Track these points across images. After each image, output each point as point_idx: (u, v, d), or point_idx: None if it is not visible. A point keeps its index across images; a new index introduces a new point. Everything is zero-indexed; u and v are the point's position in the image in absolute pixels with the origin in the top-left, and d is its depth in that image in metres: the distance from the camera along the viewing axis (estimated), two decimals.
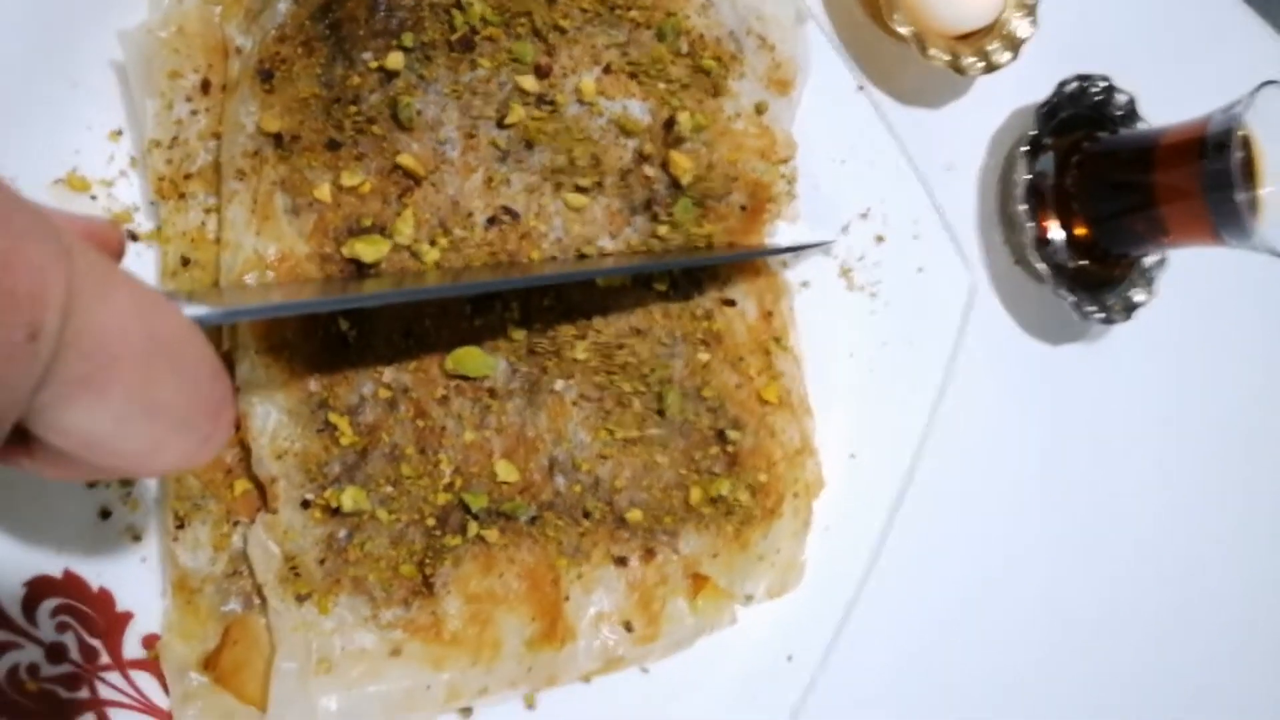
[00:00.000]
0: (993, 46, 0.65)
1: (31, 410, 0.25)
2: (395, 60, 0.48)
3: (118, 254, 0.34)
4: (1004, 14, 0.66)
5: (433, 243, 0.50)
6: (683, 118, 0.54)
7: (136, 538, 0.46)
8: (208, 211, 0.46)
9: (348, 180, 0.47)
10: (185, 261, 0.46)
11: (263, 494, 0.47)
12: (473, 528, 0.50)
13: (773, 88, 0.58)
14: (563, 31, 0.52)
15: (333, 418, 0.48)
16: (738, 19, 0.57)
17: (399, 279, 0.49)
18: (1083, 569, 0.72)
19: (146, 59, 0.44)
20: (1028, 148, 0.67)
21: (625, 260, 0.55)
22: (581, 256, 0.54)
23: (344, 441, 0.48)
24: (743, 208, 0.57)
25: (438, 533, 0.49)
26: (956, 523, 0.66)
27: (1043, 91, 0.69)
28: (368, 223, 0.48)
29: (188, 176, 0.45)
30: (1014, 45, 0.65)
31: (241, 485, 0.47)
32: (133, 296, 0.27)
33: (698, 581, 0.56)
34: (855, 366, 0.58)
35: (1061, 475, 0.72)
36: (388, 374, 0.50)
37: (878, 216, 0.61)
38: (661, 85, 0.55)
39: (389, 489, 0.48)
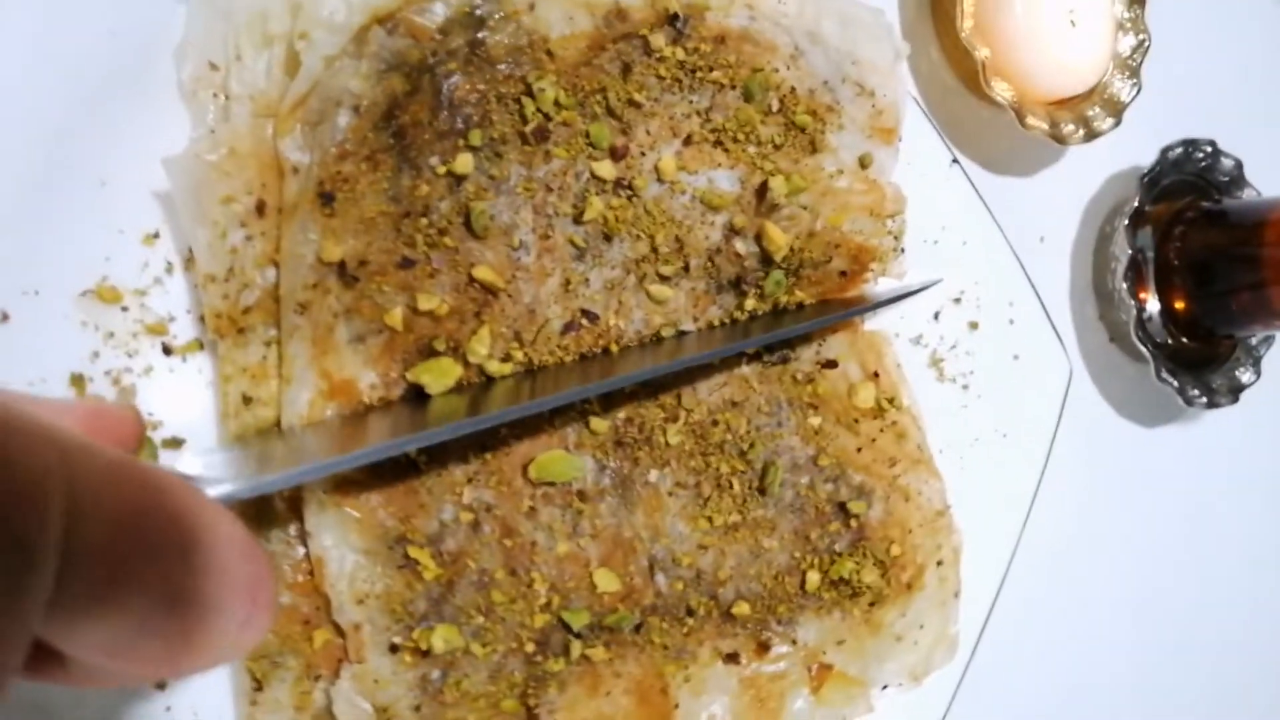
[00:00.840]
0: (1093, 111, 0.65)
1: (46, 626, 0.25)
2: (464, 163, 0.47)
3: (133, 438, 0.34)
4: (1106, 76, 0.65)
5: (506, 357, 0.50)
6: (776, 182, 0.54)
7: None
8: (268, 344, 0.46)
9: (424, 304, 0.47)
10: (247, 400, 0.46)
11: (345, 643, 0.49)
12: (576, 648, 0.52)
13: (876, 137, 0.57)
14: (638, 106, 0.52)
15: (413, 551, 0.50)
16: (831, 67, 0.55)
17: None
18: (1182, 658, 0.75)
19: (196, 186, 0.44)
20: (1128, 220, 0.67)
21: (708, 340, 0.55)
22: (659, 340, 0.54)
23: (428, 576, 0.50)
24: (842, 273, 0.57)
25: (538, 658, 0.52)
26: (1052, 619, 0.69)
27: (1138, 155, 0.69)
28: (440, 345, 0.48)
29: (246, 310, 0.45)
30: (1116, 110, 0.65)
31: (321, 636, 0.49)
32: (145, 489, 0.27)
33: (821, 672, 0.58)
34: (945, 464, 0.59)
35: (1159, 565, 0.74)
36: (467, 494, 0.51)
37: (971, 300, 0.62)
38: (751, 149, 0.54)
39: (481, 619, 0.50)
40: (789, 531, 0.56)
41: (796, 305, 0.58)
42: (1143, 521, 0.73)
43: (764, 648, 0.56)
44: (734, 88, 0.54)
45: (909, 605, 0.57)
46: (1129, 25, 0.67)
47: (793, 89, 0.55)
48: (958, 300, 0.62)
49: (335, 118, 0.45)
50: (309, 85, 0.44)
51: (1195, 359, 0.71)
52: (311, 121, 0.45)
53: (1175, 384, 0.68)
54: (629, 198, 0.52)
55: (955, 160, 0.60)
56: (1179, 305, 0.70)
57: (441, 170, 0.48)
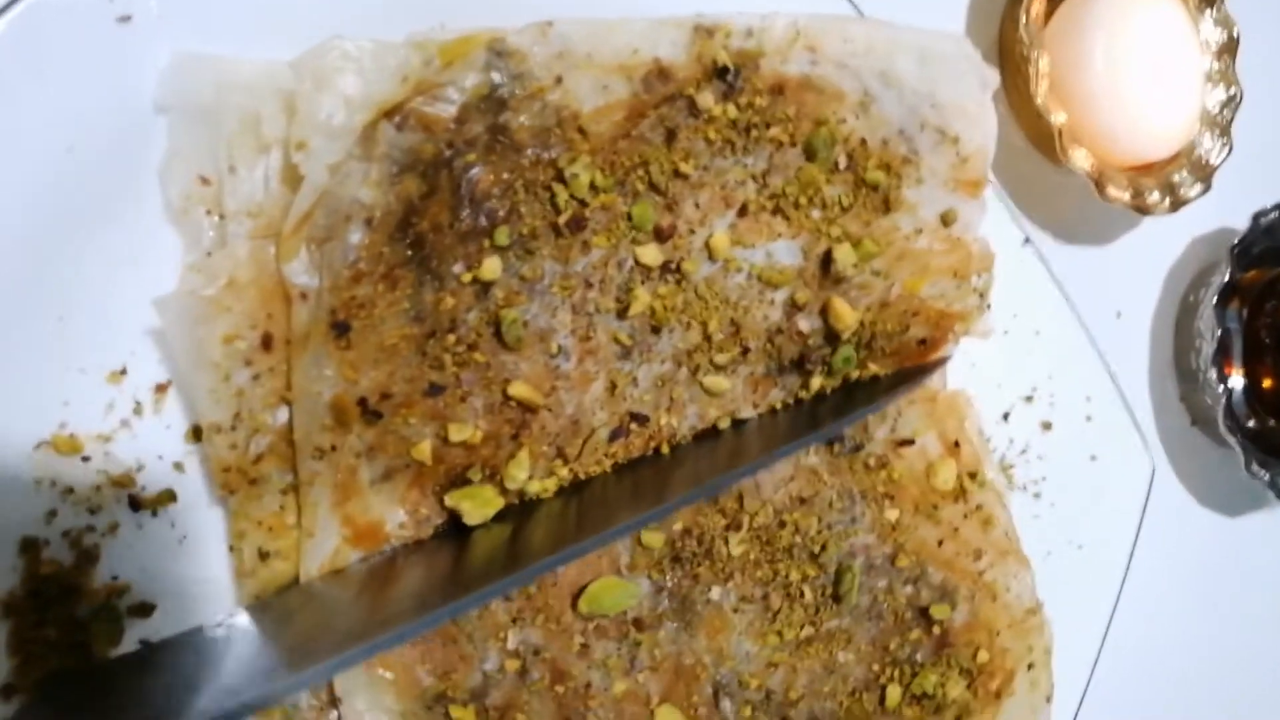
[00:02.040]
0: (1180, 176, 0.65)
1: None
2: (491, 268, 0.48)
3: None
4: (1193, 136, 0.65)
5: (548, 474, 0.50)
6: (842, 251, 0.55)
7: None
8: (284, 492, 0.46)
9: (456, 435, 0.47)
10: (263, 555, 0.47)
11: None
12: None
13: (960, 190, 0.58)
14: (685, 177, 0.52)
15: (455, 712, 0.51)
16: (907, 112, 0.56)
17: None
18: None
19: (193, 326, 0.44)
20: (1218, 297, 0.67)
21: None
22: (715, 431, 0.54)
23: None
24: (921, 341, 0.57)
25: None
26: None
27: (1224, 217, 0.69)
28: (476, 475, 0.48)
29: (257, 459, 0.45)
30: (1205, 174, 0.65)
31: None
32: None
33: None
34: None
35: (1248, 668, 0.75)
36: (511, 637, 0.52)
37: (1044, 397, 0.63)
38: (815, 214, 0.55)
39: None
40: (866, 642, 0.57)
41: (870, 379, 0.57)
42: (1230, 622, 0.74)
43: None
44: (794, 145, 0.55)
45: (998, 715, 0.59)
46: (1218, 77, 0.66)
47: (863, 141, 0.55)
48: (1029, 399, 0.63)
49: (346, 235, 0.45)
50: (314, 199, 0.44)
51: None
52: (318, 239, 0.45)
53: (1266, 476, 0.68)
54: (677, 282, 0.53)
55: (1028, 240, 0.61)
56: (1267, 384, 0.70)
57: (467, 278, 0.48)
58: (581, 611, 0.53)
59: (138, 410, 0.48)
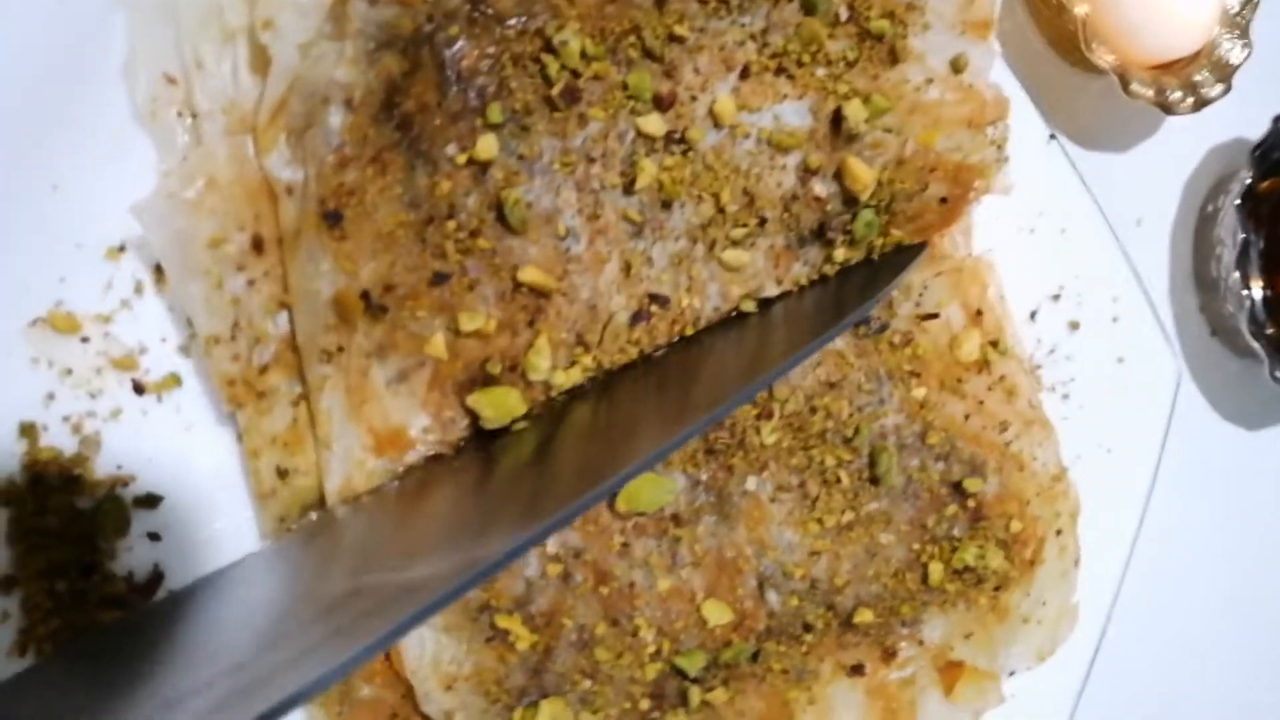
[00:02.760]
0: (1200, 77, 0.64)
1: None
2: (487, 146, 0.45)
3: None
4: (1214, 35, 0.64)
5: (571, 364, 0.48)
6: (852, 107, 0.52)
7: None
8: (295, 404, 0.44)
9: (467, 324, 0.45)
10: (282, 473, 0.45)
11: None
12: (695, 695, 0.52)
13: (968, 33, 0.55)
14: (681, 41, 0.49)
15: (501, 620, 0.49)
16: None
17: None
18: None
19: (177, 233, 0.42)
20: (1241, 200, 0.65)
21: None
22: (741, 316, 0.52)
23: (521, 645, 0.49)
24: (942, 200, 0.56)
25: (655, 714, 0.52)
26: (1163, 639, 0.69)
27: (1241, 126, 0.68)
28: (495, 368, 0.46)
29: (263, 370, 0.43)
30: (1225, 74, 0.64)
31: None
32: None
33: (951, 670, 0.58)
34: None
35: (1271, 576, 0.73)
36: (550, 543, 0.50)
37: (1071, 297, 0.62)
38: (820, 71, 0.52)
39: (587, 684, 0.50)
40: (905, 522, 0.56)
41: (895, 248, 0.55)
42: (1253, 533, 0.73)
43: (890, 654, 0.56)
44: (791, 0, 0.51)
45: (1032, 583, 0.58)
46: None
47: None
48: (1056, 297, 0.62)
49: (325, 118, 0.43)
50: (286, 84, 0.42)
51: None
52: (297, 129, 0.43)
53: None
54: (684, 153, 0.50)
55: (1053, 136, 0.60)
56: None
57: (461, 159, 0.46)
58: (619, 510, 0.51)
59: (139, 290, 0.46)
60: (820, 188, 0.53)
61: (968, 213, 0.58)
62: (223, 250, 0.44)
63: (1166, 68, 0.64)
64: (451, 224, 0.46)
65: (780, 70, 0.52)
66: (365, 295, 0.45)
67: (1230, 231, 0.66)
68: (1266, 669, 0.73)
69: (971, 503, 0.56)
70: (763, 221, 0.52)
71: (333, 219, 0.44)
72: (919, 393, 0.56)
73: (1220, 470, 0.71)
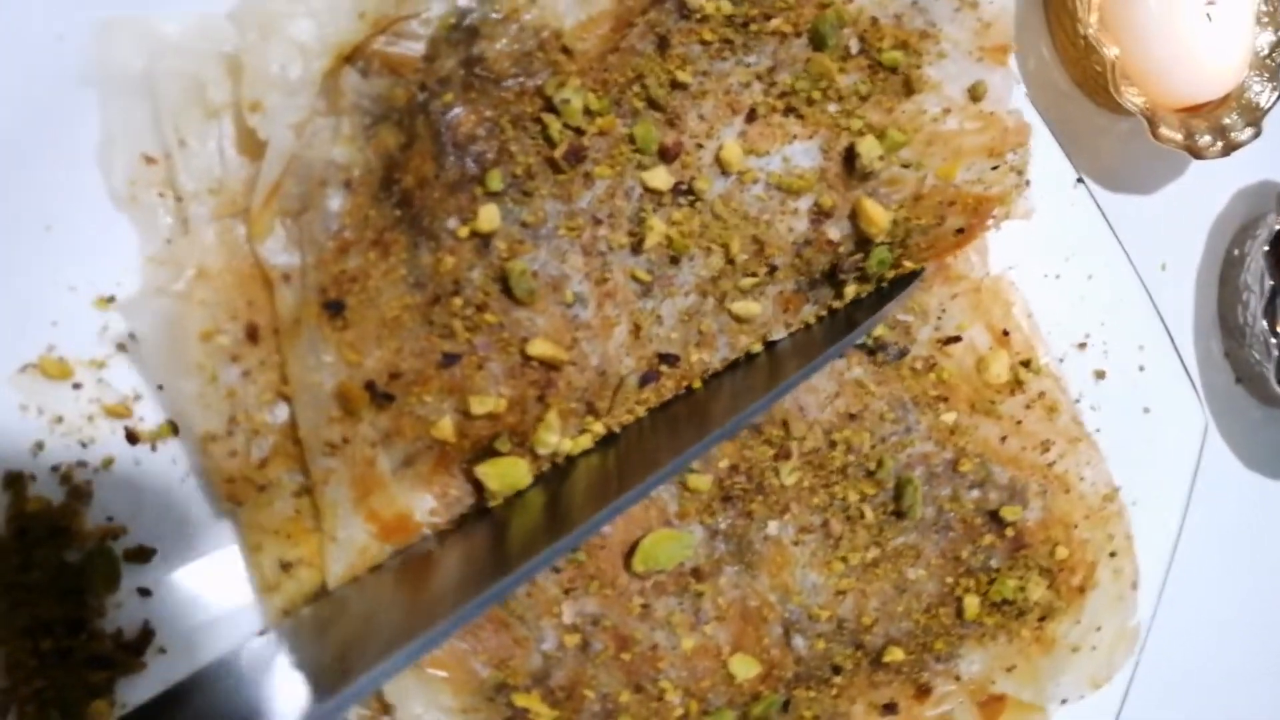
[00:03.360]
0: (1229, 120, 0.63)
1: None
2: (488, 217, 0.44)
3: None
4: (1243, 78, 0.64)
5: (582, 431, 0.47)
6: (865, 144, 0.51)
7: None
8: (297, 495, 0.43)
9: (478, 408, 0.44)
10: (285, 566, 0.43)
11: None
12: None
13: (986, 58, 0.54)
14: (684, 87, 0.48)
15: (519, 699, 0.49)
16: None
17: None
18: None
19: (167, 328, 0.40)
20: (1269, 247, 0.65)
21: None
22: (749, 357, 0.52)
23: None
24: (959, 230, 0.55)
25: None
26: (1193, 693, 0.70)
27: (1267, 168, 0.68)
28: (504, 446, 0.45)
29: (262, 464, 0.42)
30: (1254, 118, 0.64)
31: None
32: None
33: (992, 704, 0.58)
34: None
35: None
36: (567, 611, 0.50)
37: (1097, 345, 0.61)
38: (831, 108, 0.51)
39: None
40: (936, 555, 0.56)
41: (908, 275, 0.54)
42: (1276, 581, 0.73)
43: (924, 691, 0.56)
44: (799, 34, 0.51)
45: (1083, 610, 0.58)
46: (1267, 19, 0.65)
47: (874, 20, 0.51)
48: (1082, 345, 0.61)
49: (324, 202, 0.41)
50: (281, 167, 0.40)
51: None
52: (293, 211, 0.41)
53: None
54: (691, 204, 0.49)
55: (1080, 179, 0.59)
56: None
57: (464, 232, 0.44)
58: (636, 571, 0.50)
59: (134, 334, 0.44)
60: (834, 231, 0.52)
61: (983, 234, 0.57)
62: (216, 342, 0.42)
63: (1195, 110, 0.64)
64: (458, 301, 0.45)
65: (789, 110, 0.51)
66: (370, 385, 0.43)
67: (1257, 277, 0.66)
68: None
69: (1010, 531, 0.56)
70: (773, 270, 0.51)
71: (335, 308, 0.42)
72: (949, 418, 0.56)
73: (1244, 519, 0.72)
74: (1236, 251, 0.70)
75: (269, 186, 0.41)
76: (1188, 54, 0.61)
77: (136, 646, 0.45)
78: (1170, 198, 0.68)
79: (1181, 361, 0.62)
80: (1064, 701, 0.59)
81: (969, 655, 0.56)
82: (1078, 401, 0.61)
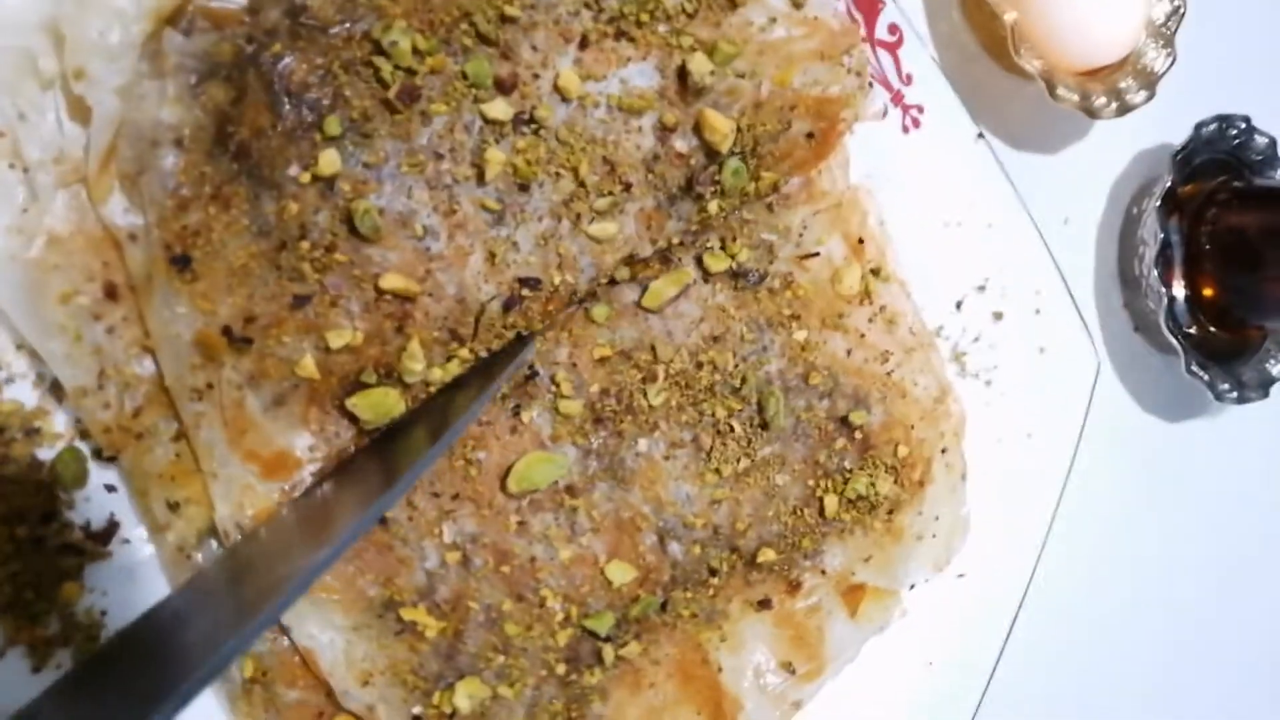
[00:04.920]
0: (1125, 84, 0.70)
1: None
2: (329, 160, 0.48)
3: None
4: (1138, 44, 0.70)
5: (449, 358, 0.52)
6: (695, 61, 0.55)
7: None
8: (175, 439, 0.48)
9: (335, 341, 0.49)
10: (173, 506, 0.48)
11: None
12: (609, 653, 0.57)
13: None
14: (513, 20, 0.52)
15: (406, 614, 0.54)
16: None
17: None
18: (1211, 655, 0.84)
19: (25, 293, 0.44)
20: (1161, 202, 0.72)
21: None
22: (612, 283, 0.56)
23: (430, 634, 0.54)
24: (809, 135, 0.59)
25: (573, 677, 0.57)
26: (1078, 623, 0.77)
27: (1165, 132, 0.75)
28: (370, 377, 0.50)
29: (136, 413, 0.46)
30: (1149, 82, 0.70)
31: None
32: None
33: (853, 593, 0.64)
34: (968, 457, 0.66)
35: (1185, 566, 0.82)
36: (446, 531, 0.55)
37: (996, 288, 0.67)
38: (661, 28, 0.56)
39: (501, 659, 0.56)
40: (798, 461, 0.61)
41: (771, 187, 0.58)
42: (1169, 522, 0.81)
43: (794, 586, 0.62)
44: None
45: (923, 502, 0.64)
46: None
47: None
48: (981, 288, 0.67)
49: (158, 162, 0.45)
50: (112, 131, 0.44)
51: (1223, 350, 0.78)
52: (130, 174, 0.45)
53: (1206, 377, 0.74)
54: (535, 132, 0.53)
55: (980, 134, 0.64)
56: (1208, 292, 0.76)
57: (305, 178, 0.49)
58: (512, 491, 0.55)
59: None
60: (681, 144, 0.57)
61: (843, 145, 0.62)
62: (75, 303, 0.46)
63: (1093, 74, 0.71)
64: (305, 244, 0.49)
65: (620, 34, 0.55)
66: (227, 330, 0.48)
67: (1152, 233, 0.73)
68: (1170, 646, 0.83)
69: (859, 434, 0.62)
70: (628, 187, 0.56)
71: (181, 263, 0.47)
72: (800, 335, 0.61)
73: (1140, 458, 0.80)
74: (1135, 210, 0.77)
75: (103, 150, 0.45)
76: (1084, 20, 0.68)
77: (103, 536, 0.51)
78: (1074, 157, 0.75)
79: (1075, 305, 0.67)
80: (912, 587, 0.65)
81: (831, 550, 0.62)
82: (976, 340, 0.67)
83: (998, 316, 0.67)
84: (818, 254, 0.62)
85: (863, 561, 0.63)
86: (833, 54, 0.59)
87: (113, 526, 0.51)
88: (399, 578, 0.54)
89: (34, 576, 0.49)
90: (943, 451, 0.65)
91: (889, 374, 0.63)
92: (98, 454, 0.50)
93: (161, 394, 0.49)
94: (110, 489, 0.51)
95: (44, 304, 0.46)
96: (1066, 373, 0.68)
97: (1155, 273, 0.73)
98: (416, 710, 0.54)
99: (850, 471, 0.62)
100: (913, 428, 0.63)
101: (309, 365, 0.50)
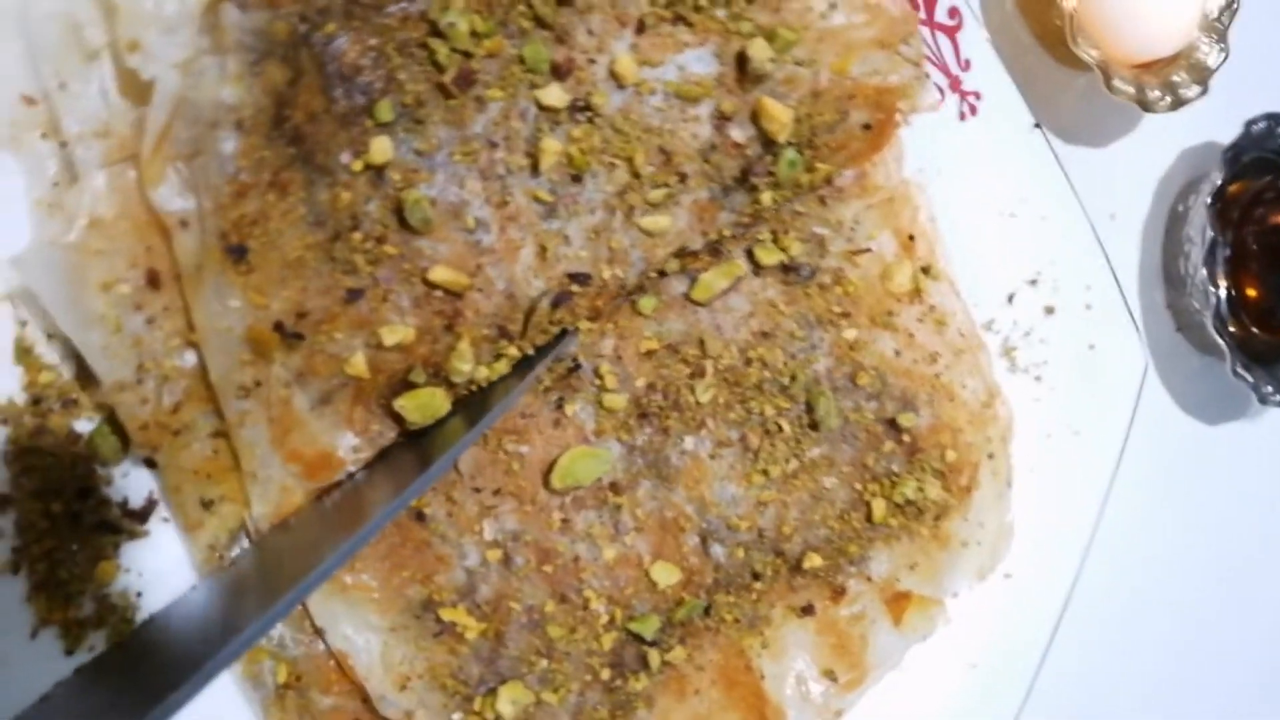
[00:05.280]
0: (1179, 78, 0.71)
1: None
2: (380, 148, 0.48)
3: None
4: (1193, 38, 0.71)
5: (497, 357, 0.51)
6: (755, 46, 0.55)
7: None
8: (214, 436, 0.46)
9: (389, 338, 0.48)
10: (206, 504, 0.47)
11: None
12: (655, 658, 0.57)
13: None
14: (570, 3, 0.52)
15: (446, 614, 0.53)
16: None
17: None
18: (1245, 655, 0.83)
19: (65, 281, 0.42)
20: (1211, 199, 0.71)
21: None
22: (661, 275, 0.55)
23: (470, 635, 0.54)
24: (866, 126, 0.59)
25: (618, 682, 0.57)
26: (1118, 636, 0.77)
27: (1213, 129, 0.75)
28: (419, 377, 0.49)
29: (175, 408, 0.45)
30: (1202, 77, 0.71)
31: None
32: None
33: (898, 600, 0.64)
34: (1015, 461, 0.65)
35: (1223, 569, 0.82)
36: (487, 528, 0.54)
37: (1048, 282, 0.67)
38: (720, 13, 0.55)
39: (544, 663, 0.55)
40: (846, 463, 0.61)
41: (825, 179, 0.58)
42: (1210, 524, 0.81)
43: (839, 593, 0.61)
44: None
45: (970, 508, 0.64)
46: None
47: None
48: (1033, 282, 0.67)
49: (217, 145, 0.44)
50: (170, 110, 0.42)
51: (1265, 352, 0.77)
52: (185, 156, 0.44)
53: (1250, 379, 0.74)
54: (590, 120, 0.53)
55: (1037, 124, 0.64)
56: (1251, 293, 0.76)
57: (357, 166, 0.48)
58: (555, 487, 0.55)
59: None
60: (738, 133, 0.56)
61: (897, 138, 0.61)
62: (117, 292, 0.45)
63: (1147, 67, 0.71)
64: (357, 235, 0.48)
65: (678, 19, 0.54)
66: (279, 326, 0.46)
67: (1199, 230, 0.72)
68: (1206, 646, 0.82)
69: (906, 437, 0.61)
70: (683, 177, 0.55)
71: (238, 253, 0.45)
72: (849, 334, 0.60)
73: (1180, 460, 0.79)
74: (1181, 207, 0.77)
75: (159, 130, 0.43)
76: (1141, 11, 0.69)
77: (142, 514, 0.50)
78: (1122, 151, 0.75)
79: (1125, 303, 0.67)
80: (955, 595, 0.65)
81: (877, 556, 0.61)
82: (1027, 335, 0.67)
83: (1049, 311, 0.67)
84: (869, 249, 0.61)
85: (908, 569, 0.63)
86: (891, 41, 0.58)
87: (151, 504, 0.50)
88: (438, 576, 0.53)
89: (69, 555, 0.48)
90: (990, 457, 0.64)
91: (937, 376, 0.62)
92: None
93: (201, 388, 0.48)
94: (150, 464, 0.50)
95: (84, 292, 0.44)
96: (1115, 370, 0.68)
97: (1204, 272, 0.73)
98: (457, 717, 0.54)
99: (898, 475, 0.61)
100: (961, 431, 0.62)
101: (359, 363, 0.49)
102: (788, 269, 0.59)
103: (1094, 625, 0.73)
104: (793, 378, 0.59)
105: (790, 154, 0.56)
